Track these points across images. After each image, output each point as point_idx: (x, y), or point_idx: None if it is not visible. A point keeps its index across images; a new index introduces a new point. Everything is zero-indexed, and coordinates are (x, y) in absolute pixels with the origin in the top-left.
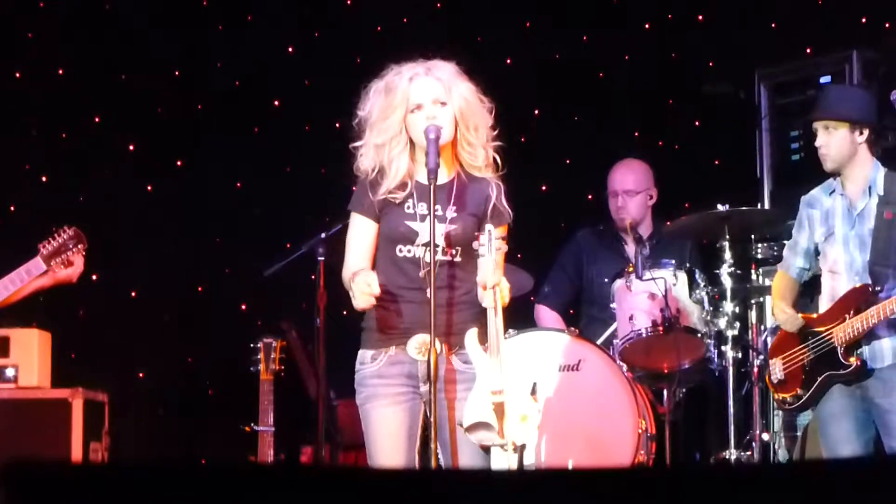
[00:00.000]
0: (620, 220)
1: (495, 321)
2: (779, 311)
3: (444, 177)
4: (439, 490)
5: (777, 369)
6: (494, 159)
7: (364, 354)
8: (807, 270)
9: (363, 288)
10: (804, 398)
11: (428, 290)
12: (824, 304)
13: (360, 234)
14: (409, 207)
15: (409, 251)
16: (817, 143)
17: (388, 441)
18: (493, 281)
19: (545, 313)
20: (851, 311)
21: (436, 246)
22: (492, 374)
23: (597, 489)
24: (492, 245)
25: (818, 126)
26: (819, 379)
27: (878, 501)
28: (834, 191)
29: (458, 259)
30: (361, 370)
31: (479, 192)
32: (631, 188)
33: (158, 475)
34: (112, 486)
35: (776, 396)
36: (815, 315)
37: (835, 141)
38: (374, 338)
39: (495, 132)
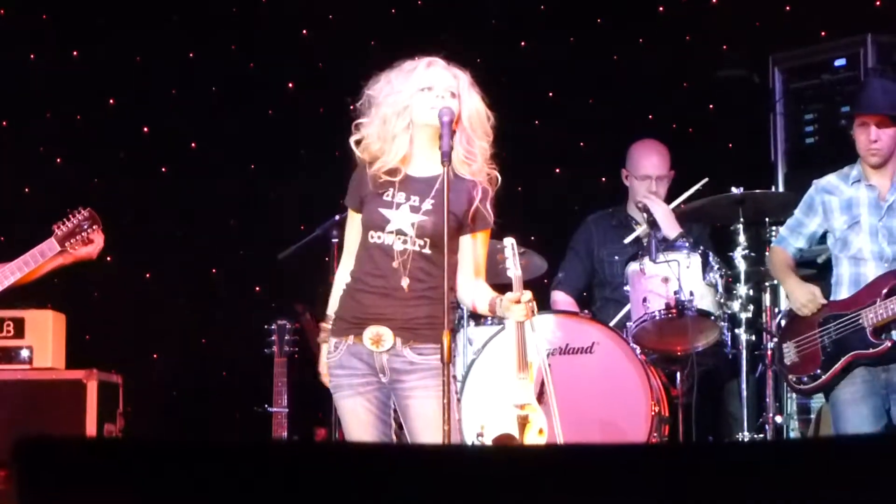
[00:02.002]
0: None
1: (523, 335)
2: (798, 288)
3: (431, 171)
4: (438, 465)
5: (791, 352)
6: (487, 174)
7: (331, 342)
8: (801, 252)
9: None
10: (822, 377)
11: (403, 280)
12: (846, 287)
13: (351, 230)
14: (387, 196)
15: (378, 238)
16: (872, 137)
17: (359, 430)
18: (527, 296)
19: (561, 298)
20: (883, 294)
21: (404, 234)
22: (518, 388)
23: (605, 465)
24: (516, 259)
25: (868, 121)
26: (843, 359)
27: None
28: (859, 181)
29: (426, 251)
30: (329, 358)
31: (463, 192)
32: (664, 174)
33: (171, 451)
34: (124, 462)
35: (790, 378)
36: (834, 299)
37: (887, 137)
38: (339, 326)
39: (491, 151)
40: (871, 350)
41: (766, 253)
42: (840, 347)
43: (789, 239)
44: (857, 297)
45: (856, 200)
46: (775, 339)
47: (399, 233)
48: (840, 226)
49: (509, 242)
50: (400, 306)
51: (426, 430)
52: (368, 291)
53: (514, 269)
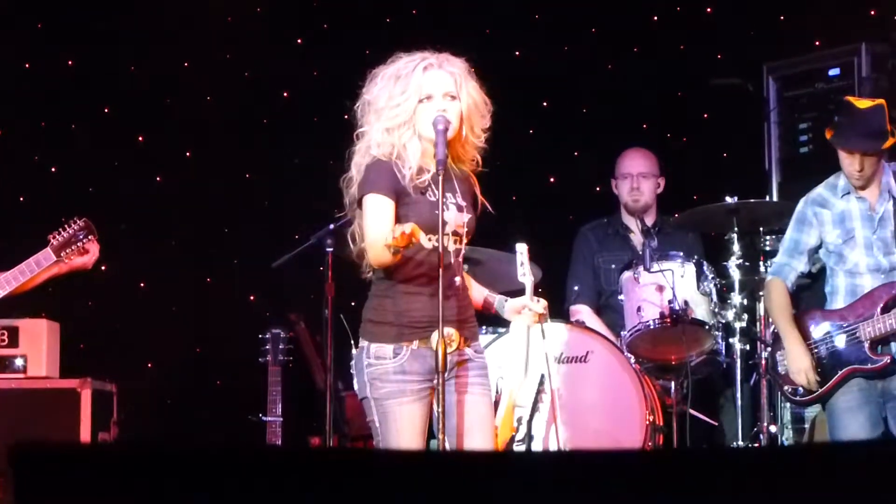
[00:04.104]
0: (634, 201)
1: (529, 339)
2: (796, 350)
3: (451, 167)
4: (450, 472)
5: (785, 361)
6: (476, 158)
7: (382, 349)
8: (802, 274)
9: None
10: (818, 390)
11: (455, 277)
12: (842, 298)
13: (385, 211)
14: (430, 195)
15: (436, 241)
16: (857, 168)
17: (412, 436)
18: (541, 305)
19: (585, 310)
20: (880, 308)
21: (458, 234)
22: (523, 390)
23: (608, 471)
24: (528, 265)
25: (855, 150)
26: (840, 372)
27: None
28: (848, 193)
29: (464, 248)
30: (380, 365)
31: (468, 185)
32: (646, 171)
33: (165, 456)
34: (119, 467)
35: (785, 388)
36: (830, 309)
37: (870, 165)
38: (394, 332)
39: (487, 135)
40: (870, 365)
41: (764, 285)
42: (837, 360)
43: (792, 263)
44: (854, 309)
45: (848, 214)
46: (769, 348)
47: (454, 234)
48: (834, 240)
49: (522, 248)
50: (458, 305)
51: (475, 427)
52: (428, 294)
53: (527, 276)
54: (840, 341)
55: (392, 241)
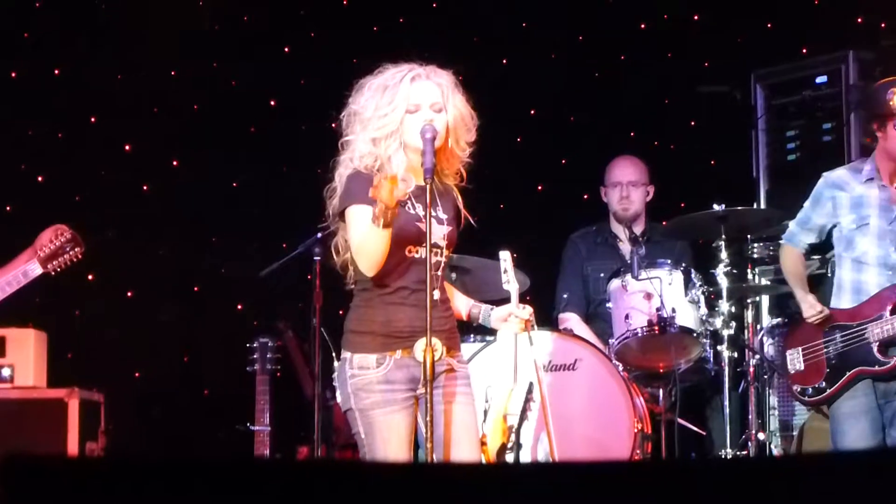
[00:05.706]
0: (624, 210)
1: (517, 347)
2: (804, 302)
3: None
4: (439, 484)
5: (797, 359)
6: (460, 172)
7: (365, 359)
8: (812, 246)
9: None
10: (827, 391)
11: (436, 291)
12: (848, 294)
13: (368, 220)
14: (410, 208)
15: (417, 253)
16: None
17: (398, 446)
18: (527, 311)
19: (573, 318)
20: (889, 309)
21: (438, 247)
22: (512, 398)
23: (595, 482)
24: (512, 272)
25: (889, 122)
26: (848, 374)
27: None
28: (872, 179)
29: (445, 260)
30: (364, 375)
31: (451, 198)
32: (635, 179)
33: (155, 469)
34: (108, 480)
35: (794, 387)
36: (840, 308)
37: None
38: (377, 342)
39: (473, 149)
40: (878, 367)
41: (780, 250)
42: (845, 361)
43: (800, 235)
44: (863, 309)
45: (866, 200)
46: (757, 356)
47: (435, 246)
48: (847, 224)
49: (505, 256)
50: (439, 317)
51: (462, 437)
52: (411, 304)
53: (512, 283)
54: (849, 342)
55: (372, 192)
